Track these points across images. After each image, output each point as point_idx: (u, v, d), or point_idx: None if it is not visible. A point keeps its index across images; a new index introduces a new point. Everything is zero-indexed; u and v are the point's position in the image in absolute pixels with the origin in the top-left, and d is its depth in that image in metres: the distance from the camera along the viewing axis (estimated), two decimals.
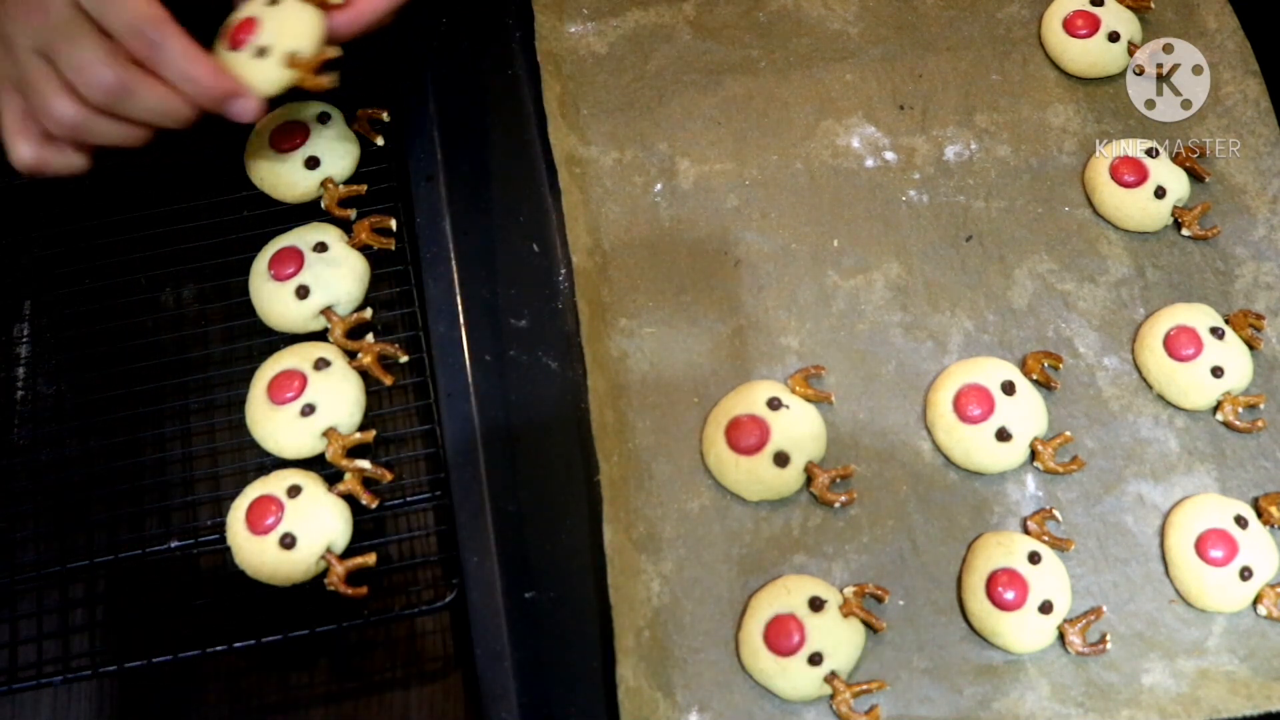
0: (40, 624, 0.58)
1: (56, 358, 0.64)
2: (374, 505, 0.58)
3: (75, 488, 0.61)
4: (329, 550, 0.56)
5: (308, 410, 0.59)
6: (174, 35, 0.54)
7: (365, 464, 0.58)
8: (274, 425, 0.59)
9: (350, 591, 0.56)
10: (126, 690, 0.58)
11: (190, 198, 0.66)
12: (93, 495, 0.60)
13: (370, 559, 0.56)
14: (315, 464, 0.60)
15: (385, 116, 0.67)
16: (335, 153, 0.66)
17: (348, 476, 0.58)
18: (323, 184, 0.65)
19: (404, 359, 0.61)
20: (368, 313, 0.63)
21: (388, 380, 0.61)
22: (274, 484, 0.57)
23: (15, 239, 0.66)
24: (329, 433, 0.59)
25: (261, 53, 0.56)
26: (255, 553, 0.56)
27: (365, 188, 0.65)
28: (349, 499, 0.58)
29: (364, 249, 0.64)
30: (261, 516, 0.56)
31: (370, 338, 0.62)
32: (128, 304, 0.64)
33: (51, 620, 0.58)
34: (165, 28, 0.54)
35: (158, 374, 0.62)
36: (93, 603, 0.58)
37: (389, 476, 0.58)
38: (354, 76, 0.68)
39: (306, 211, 0.65)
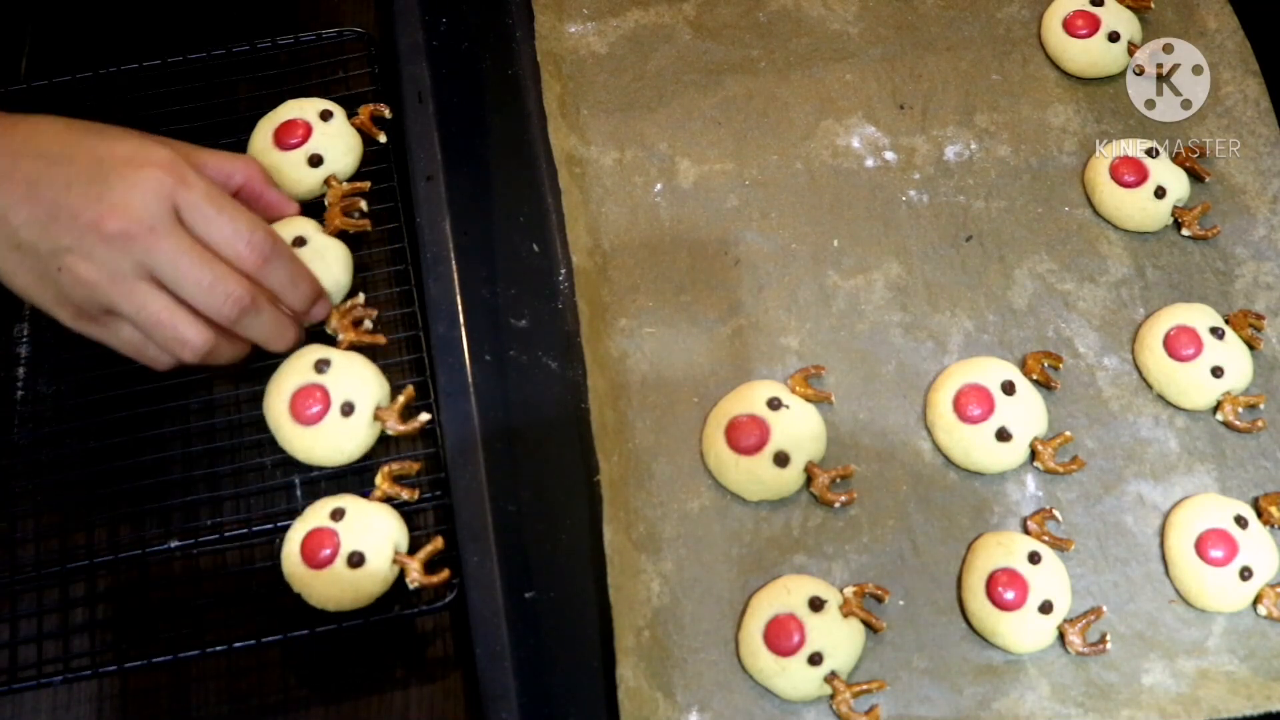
0: (40, 624, 0.58)
1: (56, 358, 0.63)
2: (415, 498, 0.58)
3: (75, 488, 0.60)
4: (397, 551, 0.56)
5: (347, 409, 0.59)
6: (282, 242, 0.57)
7: (426, 416, 0.59)
8: (326, 438, 0.58)
9: (436, 580, 0.56)
10: (126, 690, 0.58)
11: None
12: (93, 495, 0.60)
13: (439, 542, 0.56)
14: (342, 478, 0.60)
15: (387, 113, 0.67)
16: (338, 150, 0.65)
17: (380, 481, 0.58)
18: (326, 181, 0.65)
19: (374, 315, 0.62)
20: (360, 298, 0.63)
21: (381, 341, 0.61)
22: (314, 517, 0.57)
23: None
24: (378, 413, 0.59)
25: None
26: (328, 584, 0.55)
27: (369, 184, 0.65)
28: (387, 501, 0.58)
29: (342, 235, 0.64)
30: (318, 549, 0.56)
31: (368, 324, 0.62)
32: None
33: (51, 620, 0.58)
34: (275, 235, 0.57)
35: (158, 374, 0.62)
36: (93, 603, 0.58)
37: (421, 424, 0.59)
38: (354, 77, 0.69)
39: (309, 210, 0.65)
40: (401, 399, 0.59)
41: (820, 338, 0.64)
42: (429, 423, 0.59)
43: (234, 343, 0.57)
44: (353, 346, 0.61)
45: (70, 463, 0.61)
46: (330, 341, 0.62)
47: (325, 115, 0.66)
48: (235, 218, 0.55)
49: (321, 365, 0.60)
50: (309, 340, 0.61)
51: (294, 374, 0.60)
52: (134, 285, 0.53)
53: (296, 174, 0.65)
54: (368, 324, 0.62)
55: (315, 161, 0.65)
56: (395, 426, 0.59)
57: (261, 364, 0.60)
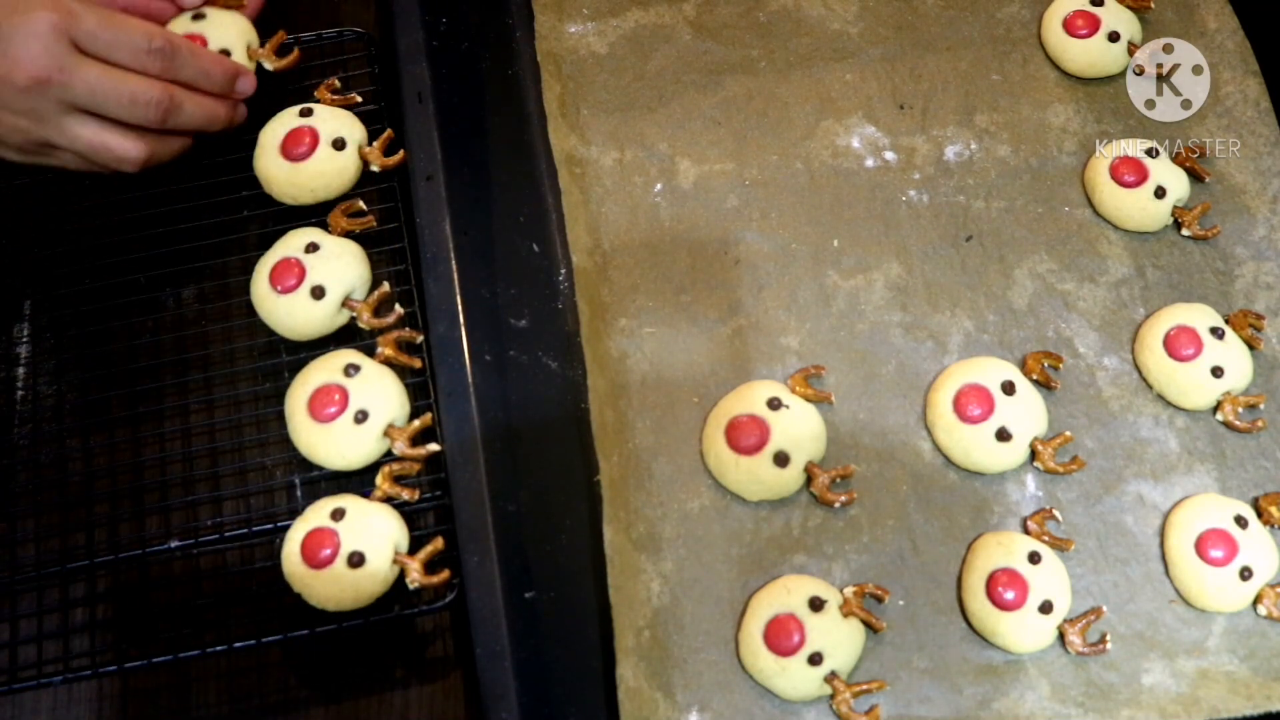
0: (40, 624, 0.58)
1: (56, 358, 0.64)
2: (415, 499, 0.58)
3: (75, 487, 0.61)
4: (397, 552, 0.56)
5: (361, 417, 0.58)
6: (181, 40, 0.60)
7: (435, 446, 0.59)
8: (333, 440, 0.58)
9: (436, 580, 0.56)
10: (126, 690, 0.58)
11: (190, 198, 0.66)
12: (93, 495, 0.60)
13: (439, 543, 0.56)
14: (343, 479, 0.60)
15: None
16: None
17: (381, 481, 0.58)
18: None
19: (419, 339, 0.62)
20: (385, 287, 0.62)
21: (416, 364, 0.61)
22: (315, 517, 0.57)
23: (15, 239, 0.66)
24: (389, 430, 0.59)
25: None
26: (328, 584, 0.55)
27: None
28: (388, 501, 0.58)
29: (350, 235, 0.64)
30: (318, 549, 0.56)
31: (397, 307, 0.62)
32: (128, 304, 0.64)
33: (51, 620, 0.58)
34: (172, 37, 0.59)
35: (158, 374, 0.62)
36: (93, 603, 0.58)
37: (425, 456, 0.59)
38: (354, 77, 0.69)
39: (309, 210, 0.65)
40: (417, 424, 0.59)
41: (820, 338, 0.64)
42: (437, 453, 0.59)
43: (171, 140, 0.61)
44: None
45: (70, 462, 0.61)
46: (369, 350, 0.61)
47: None
48: (131, 32, 0.57)
49: (351, 370, 0.60)
50: (342, 344, 0.62)
51: (323, 371, 0.60)
52: (61, 120, 0.56)
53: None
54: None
55: None
56: (403, 448, 0.59)
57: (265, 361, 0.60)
